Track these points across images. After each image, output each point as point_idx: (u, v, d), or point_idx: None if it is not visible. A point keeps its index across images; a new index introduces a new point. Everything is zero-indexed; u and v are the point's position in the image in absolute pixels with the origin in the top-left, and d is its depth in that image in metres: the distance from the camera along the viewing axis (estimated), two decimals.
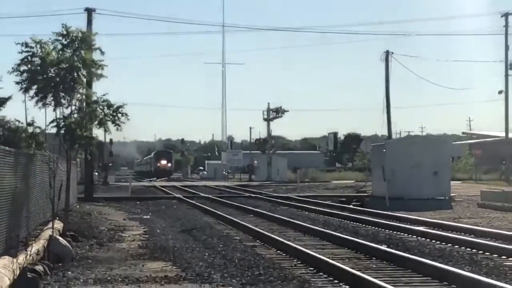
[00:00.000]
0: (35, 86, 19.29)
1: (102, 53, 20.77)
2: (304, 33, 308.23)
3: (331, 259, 15.19)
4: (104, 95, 20.61)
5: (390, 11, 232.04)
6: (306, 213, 32.42)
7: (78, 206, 34.83)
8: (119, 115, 20.59)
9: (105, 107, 20.42)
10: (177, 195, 48.17)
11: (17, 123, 20.83)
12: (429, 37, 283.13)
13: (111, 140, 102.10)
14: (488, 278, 12.73)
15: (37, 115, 19.71)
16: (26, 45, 19.20)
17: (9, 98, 45.59)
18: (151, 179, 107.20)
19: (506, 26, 69.63)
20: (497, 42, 72.53)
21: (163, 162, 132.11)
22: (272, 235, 20.62)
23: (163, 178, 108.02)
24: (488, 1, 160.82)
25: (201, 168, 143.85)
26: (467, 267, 14.91)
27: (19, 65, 19.26)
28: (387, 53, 71.52)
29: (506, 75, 70.25)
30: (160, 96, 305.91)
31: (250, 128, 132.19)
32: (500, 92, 71.67)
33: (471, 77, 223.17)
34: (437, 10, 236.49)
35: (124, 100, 20.93)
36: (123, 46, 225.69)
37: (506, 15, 69.63)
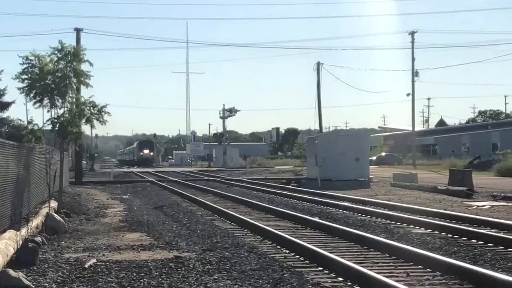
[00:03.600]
0: (34, 91, 19.09)
1: (91, 64, 20.57)
2: (254, 48, 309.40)
3: (274, 229, 15.18)
4: (90, 97, 20.46)
5: (321, 29, 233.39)
6: (255, 192, 32.43)
7: (70, 189, 34.44)
8: (103, 113, 20.43)
9: (91, 107, 20.25)
10: (150, 179, 47.93)
11: (19, 121, 20.54)
12: (352, 51, 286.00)
13: (96, 135, 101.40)
14: (399, 243, 12.86)
15: (35, 114, 19.53)
16: (27, 58, 19.01)
17: (12, 102, 45.26)
18: (127, 166, 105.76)
19: (412, 41, 70.75)
20: (406, 54, 73.49)
21: (146, 151, 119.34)
22: (227, 211, 20.62)
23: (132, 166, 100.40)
24: (399, 22, 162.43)
25: (170, 157, 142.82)
26: (383, 234, 15.03)
27: (21, 73, 19.07)
28: (318, 64, 71.79)
29: (413, 81, 71.45)
30: (136, 99, 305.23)
31: (209, 124, 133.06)
32: (408, 94, 72.96)
33: (385, 83, 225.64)
34: (358, 29, 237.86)
35: (107, 102, 20.73)
36: (107, 58, 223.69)
37: (412, 33, 70.81)
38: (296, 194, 28.71)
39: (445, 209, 20.73)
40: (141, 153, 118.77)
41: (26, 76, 19.04)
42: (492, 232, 14.49)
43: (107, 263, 11.23)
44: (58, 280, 9.85)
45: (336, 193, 28.42)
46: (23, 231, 13.26)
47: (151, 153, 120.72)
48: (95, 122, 20.44)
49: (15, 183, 16.72)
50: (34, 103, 19.28)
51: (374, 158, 76.19)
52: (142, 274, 10.22)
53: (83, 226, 18.06)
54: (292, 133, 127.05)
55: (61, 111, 19.64)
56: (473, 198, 25.71)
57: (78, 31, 47.73)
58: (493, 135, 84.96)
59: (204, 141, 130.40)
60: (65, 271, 10.52)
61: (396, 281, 9.16)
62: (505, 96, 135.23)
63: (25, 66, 19.02)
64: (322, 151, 39.45)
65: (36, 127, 19.31)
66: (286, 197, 27.87)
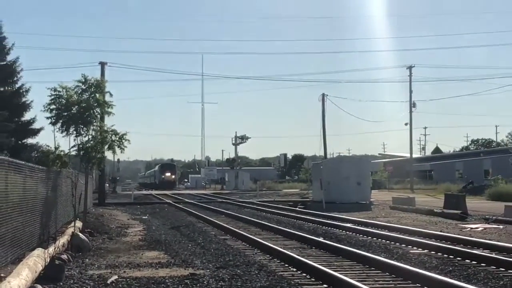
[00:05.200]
0: (60, 121, 19.22)
1: (111, 95, 20.73)
2: (264, 80, 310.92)
3: (282, 249, 15.15)
4: (112, 125, 20.60)
5: (327, 63, 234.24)
6: (264, 213, 32.35)
7: (93, 210, 34.50)
8: (123, 140, 20.52)
9: (113, 134, 20.35)
10: (167, 201, 47.88)
11: (47, 147, 20.66)
12: (355, 84, 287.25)
13: (118, 159, 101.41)
14: (398, 262, 12.82)
15: (62, 140, 19.65)
16: (55, 89, 19.18)
17: (41, 129, 45.49)
18: (146, 188, 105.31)
19: (410, 75, 70.98)
20: (404, 87, 73.81)
21: (168, 174, 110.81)
22: (239, 231, 20.57)
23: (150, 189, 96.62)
24: (397, 57, 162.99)
25: (186, 180, 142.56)
26: (383, 254, 14.98)
27: (49, 104, 19.21)
28: (323, 95, 71.86)
29: (410, 112, 71.59)
30: (156, 127, 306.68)
31: (222, 150, 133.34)
32: (406, 124, 72.89)
33: (385, 113, 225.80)
34: (361, 64, 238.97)
35: (129, 129, 20.86)
36: (129, 89, 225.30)
37: (410, 68, 71.04)
38: (303, 216, 28.62)
39: (440, 231, 20.65)
40: (163, 176, 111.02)
41: (54, 106, 19.19)
42: (485, 253, 14.44)
43: (127, 280, 11.23)
44: None
45: (339, 215, 28.32)
46: (51, 249, 13.28)
47: (173, 176, 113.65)
48: (116, 148, 20.57)
49: (43, 204, 16.79)
50: (61, 132, 19.42)
51: None
52: None
53: (106, 244, 18.06)
54: (299, 158, 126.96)
55: (85, 138, 19.79)
56: (466, 220, 25.60)
57: (102, 64, 48.03)
58: (485, 162, 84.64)
59: (217, 165, 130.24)
60: (89, 286, 10.54)
61: None
62: (496, 126, 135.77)
63: (53, 97, 19.20)
64: (327, 175, 39.39)
65: (62, 153, 19.44)
66: (293, 219, 27.79)
